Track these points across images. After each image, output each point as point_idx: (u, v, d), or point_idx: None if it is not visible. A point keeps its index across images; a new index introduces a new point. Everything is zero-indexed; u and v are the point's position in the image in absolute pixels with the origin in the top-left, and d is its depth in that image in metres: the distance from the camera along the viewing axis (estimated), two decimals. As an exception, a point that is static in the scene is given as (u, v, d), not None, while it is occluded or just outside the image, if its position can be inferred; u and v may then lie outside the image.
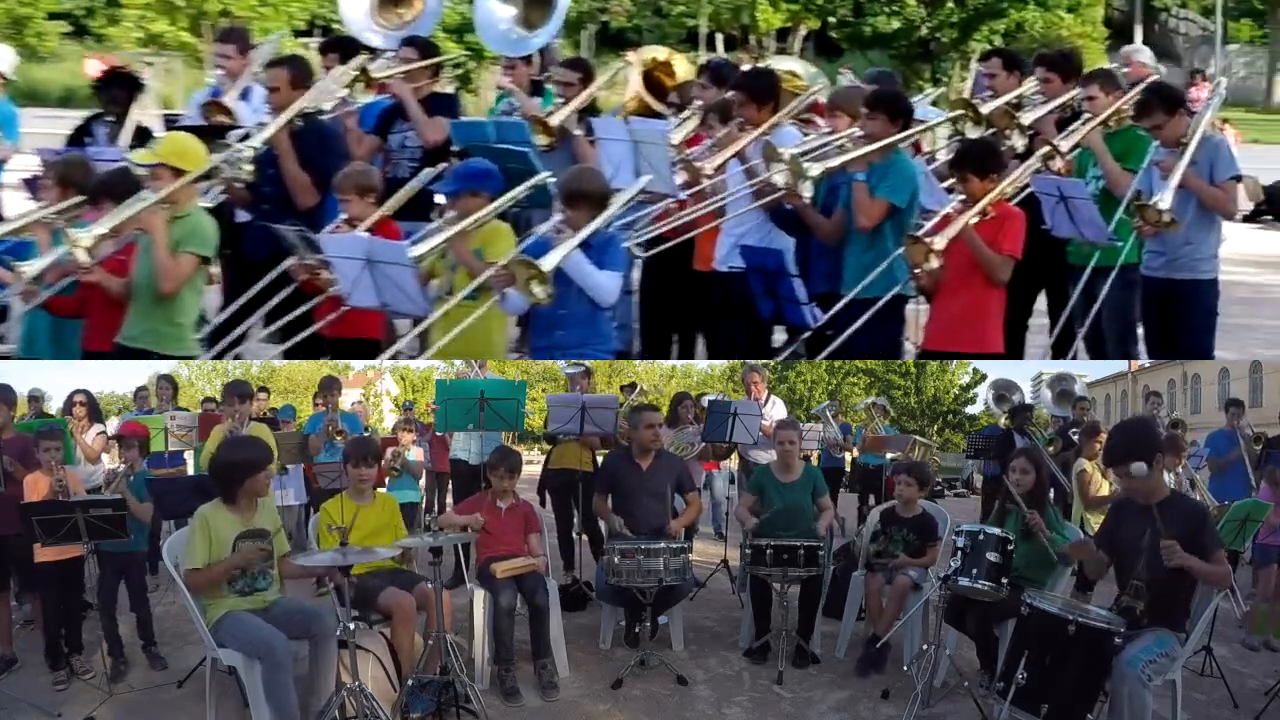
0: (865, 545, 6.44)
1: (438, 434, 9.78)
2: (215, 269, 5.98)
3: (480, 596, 5.59)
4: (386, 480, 8.29)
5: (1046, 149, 6.14)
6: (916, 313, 6.12)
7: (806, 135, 6.61)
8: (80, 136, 7.19)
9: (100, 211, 5.30)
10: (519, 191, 5.64)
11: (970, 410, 37.83)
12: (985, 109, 6.52)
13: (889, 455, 11.39)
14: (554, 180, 5.70)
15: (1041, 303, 6.95)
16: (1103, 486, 7.49)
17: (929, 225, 5.52)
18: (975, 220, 5.42)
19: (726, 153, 6.32)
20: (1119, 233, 5.97)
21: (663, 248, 6.43)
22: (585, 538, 7.54)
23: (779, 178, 5.88)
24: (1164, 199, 5.68)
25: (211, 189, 5.94)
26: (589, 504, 7.15)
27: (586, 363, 8.09)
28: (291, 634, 4.57)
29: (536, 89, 7.78)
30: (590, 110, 7.15)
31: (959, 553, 4.96)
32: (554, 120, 6.85)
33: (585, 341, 5.42)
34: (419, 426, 10.37)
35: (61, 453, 5.86)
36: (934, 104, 8.11)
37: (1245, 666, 6.15)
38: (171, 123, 7.50)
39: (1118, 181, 6.12)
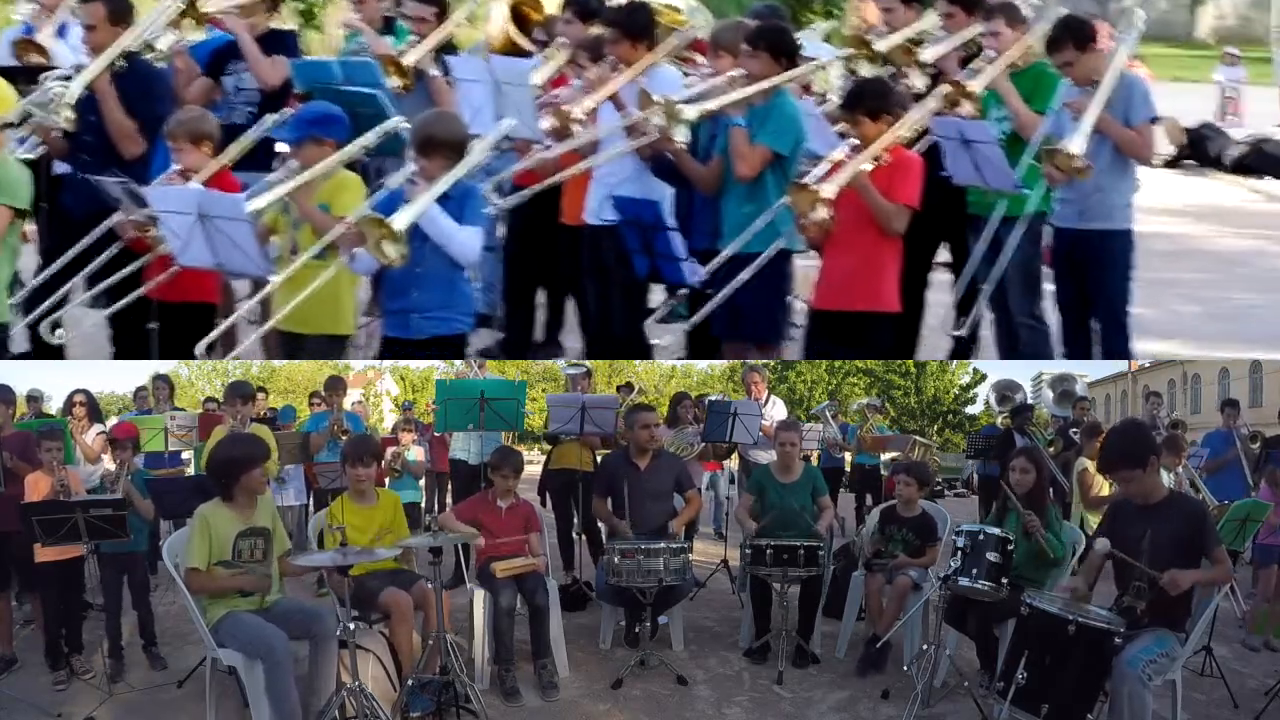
0: (865, 545, 6.45)
1: (437, 434, 9.79)
2: (31, 226, 5.57)
3: (480, 596, 5.59)
4: (387, 481, 8.30)
5: (945, 88, 5.69)
6: (806, 269, 5.71)
7: (688, 76, 6.13)
8: None
9: None
10: (369, 139, 5.22)
11: (970, 410, 37.84)
12: (881, 45, 6.05)
13: (887, 455, 11.39)
14: (408, 126, 5.25)
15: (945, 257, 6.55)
16: (1103, 487, 7.48)
17: (816, 171, 5.12)
18: (868, 166, 5.04)
19: (598, 96, 5.83)
20: (1026, 180, 5.57)
21: (521, 197, 5.91)
22: (585, 538, 7.53)
23: (654, 122, 5.44)
24: (1075, 142, 5.31)
25: (27, 139, 5.51)
26: (589, 504, 7.14)
27: (587, 363, 8.09)
28: (292, 634, 4.56)
29: (388, 26, 7.20)
30: (448, 48, 6.63)
31: (959, 553, 4.96)
32: (407, 60, 6.34)
33: (445, 304, 5.01)
34: (419, 426, 10.38)
35: (62, 453, 5.86)
36: (826, 39, 7.46)
37: (1245, 666, 6.15)
38: None
39: (1026, 124, 5.70)
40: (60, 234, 5.80)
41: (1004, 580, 4.91)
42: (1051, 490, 6.08)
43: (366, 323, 6.03)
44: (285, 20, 7.23)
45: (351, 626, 4.44)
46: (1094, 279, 5.75)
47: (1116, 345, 5.87)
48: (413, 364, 31.52)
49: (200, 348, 4.97)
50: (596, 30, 6.19)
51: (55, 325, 5.46)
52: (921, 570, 5.94)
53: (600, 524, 6.99)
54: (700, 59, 6.35)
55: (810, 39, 6.78)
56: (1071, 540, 5.45)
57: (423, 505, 9.54)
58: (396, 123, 5.34)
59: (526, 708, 5.26)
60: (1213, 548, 4.33)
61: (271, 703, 4.41)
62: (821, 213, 4.99)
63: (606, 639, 6.26)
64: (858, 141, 5.16)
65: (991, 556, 4.90)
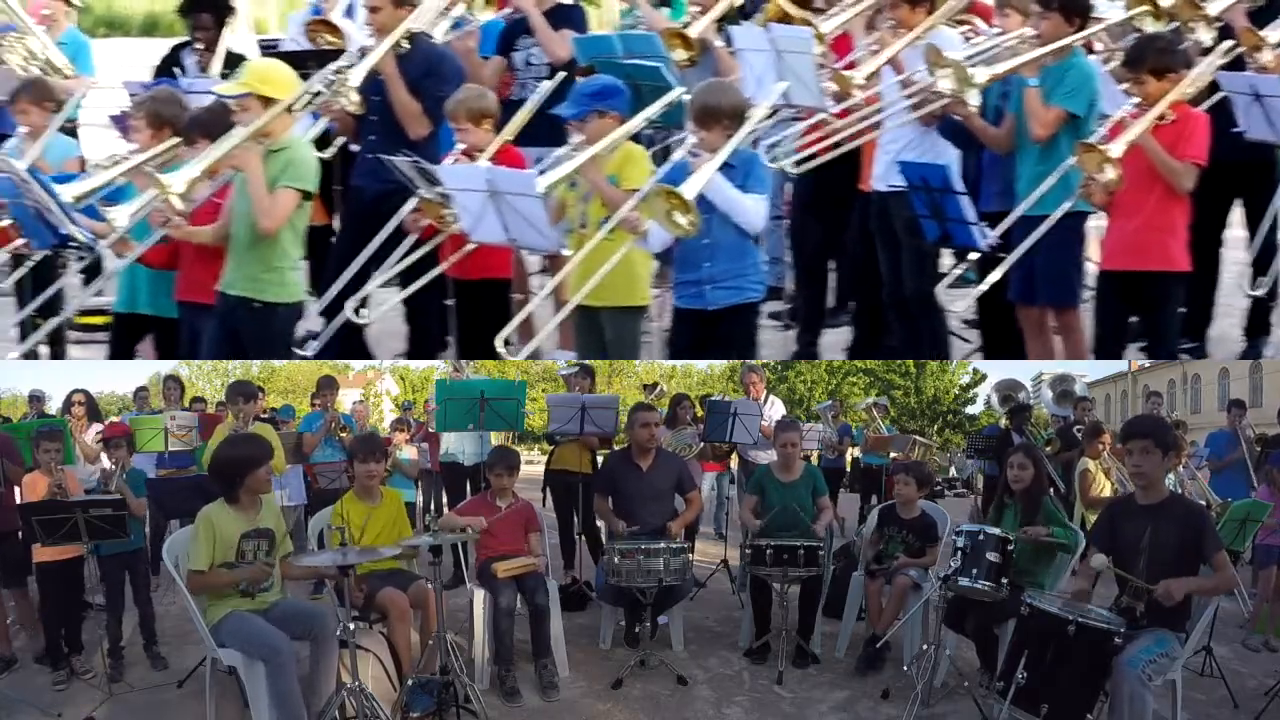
0: (864, 547, 6.44)
1: (435, 433, 9.78)
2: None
3: (480, 596, 5.59)
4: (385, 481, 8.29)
5: (1229, 43, 5.56)
6: (1098, 230, 5.63)
7: (968, 39, 6.02)
8: (168, 67, 6.82)
9: (195, 151, 5.00)
10: (653, 110, 5.25)
11: (970, 410, 37.85)
12: (1166, 1, 5.81)
13: (893, 455, 11.38)
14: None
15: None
16: (1104, 487, 7.49)
17: (1102, 131, 5.14)
18: (1154, 125, 5.01)
19: (878, 60, 5.82)
20: None
21: (811, 163, 5.90)
22: (585, 540, 7.50)
23: (943, 84, 5.43)
24: None
25: (322, 121, 5.59)
26: (588, 506, 7.13)
27: (588, 363, 8.07)
28: (293, 634, 4.56)
29: None
30: (730, 18, 6.59)
31: (959, 553, 4.96)
32: (692, 32, 6.33)
33: (737, 273, 5.02)
34: (411, 426, 10.35)
35: (61, 453, 5.85)
36: None
37: (1245, 666, 6.15)
38: (268, 49, 6.95)
39: None
40: (352, 213, 5.91)
41: (1004, 580, 4.91)
42: (1051, 490, 6.07)
43: (658, 294, 5.99)
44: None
45: (351, 626, 4.44)
46: None
47: None
48: (413, 364, 31.56)
49: (499, 343, 4.98)
50: None
51: (360, 305, 5.52)
52: (921, 570, 5.94)
53: (600, 523, 6.98)
54: (978, 21, 6.24)
55: None
56: (1073, 534, 5.45)
57: (419, 505, 9.54)
58: (679, 94, 5.32)
59: (526, 708, 5.26)
60: (1213, 552, 4.31)
61: (275, 703, 4.40)
62: (1110, 173, 4.95)
63: (606, 639, 6.26)
64: (1141, 100, 5.10)
65: (991, 556, 4.90)
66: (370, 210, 5.65)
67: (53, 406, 10.21)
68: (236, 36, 7.25)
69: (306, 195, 4.93)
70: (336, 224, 6.57)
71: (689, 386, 30.30)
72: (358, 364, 34.35)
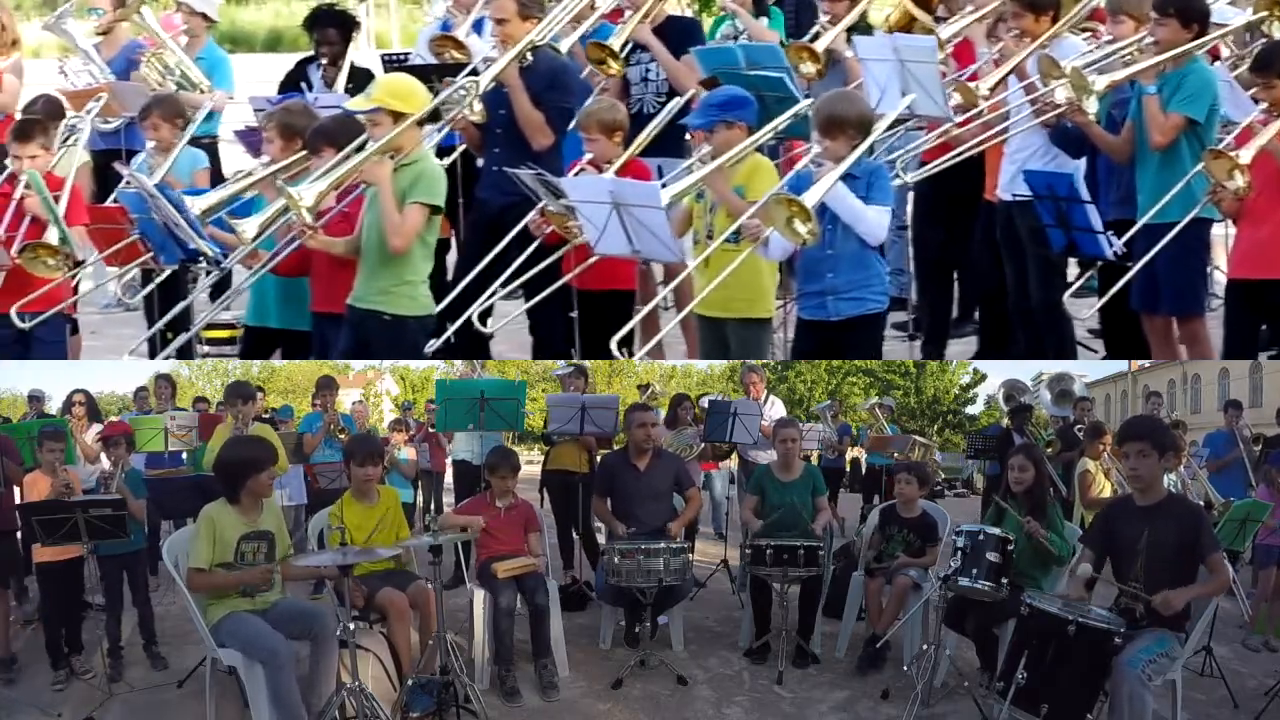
0: (864, 547, 6.44)
1: (435, 433, 9.77)
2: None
3: (480, 596, 5.59)
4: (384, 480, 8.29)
5: None
6: (1225, 237, 5.57)
7: (1090, 46, 6.00)
8: (294, 82, 6.89)
9: (321, 161, 5.01)
10: (780, 121, 5.25)
11: (970, 410, 37.81)
12: None
13: (896, 455, 11.37)
14: None
15: None
16: (1105, 488, 7.48)
17: (1229, 138, 5.10)
18: None
19: (1002, 70, 5.84)
20: None
21: (932, 170, 5.93)
22: (581, 542, 7.50)
23: (1060, 93, 5.42)
24: None
25: (444, 131, 5.64)
26: (585, 507, 7.12)
27: (584, 363, 8.07)
28: (292, 634, 4.57)
29: (760, 8, 7.24)
30: (860, 28, 6.58)
31: (959, 553, 4.96)
32: (822, 43, 6.35)
33: (861, 284, 5.00)
34: (409, 426, 10.34)
35: (64, 454, 5.84)
36: (1231, 2, 7.05)
37: (1245, 666, 6.15)
38: (392, 63, 7.05)
39: None
40: (476, 225, 5.97)
41: (1004, 580, 4.90)
42: (1051, 490, 6.07)
43: (782, 303, 5.92)
44: (682, 9, 7.28)
45: (351, 626, 4.44)
46: None
47: None
48: (413, 364, 31.55)
49: (614, 345, 4.99)
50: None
51: (485, 315, 5.57)
52: (921, 570, 5.93)
53: (599, 524, 6.98)
54: (1100, 28, 6.21)
55: (1215, 2, 6.41)
56: (1074, 539, 5.45)
57: (417, 504, 9.53)
58: (805, 106, 5.33)
59: (526, 708, 5.26)
60: (1209, 553, 4.31)
61: (275, 703, 4.40)
62: (1239, 180, 4.93)
63: (606, 639, 6.26)
64: (1269, 105, 5.06)
65: (991, 556, 4.90)
66: (495, 222, 5.71)
67: (53, 406, 10.20)
68: (360, 51, 7.32)
69: (436, 210, 4.94)
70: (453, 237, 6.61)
71: (689, 386, 30.25)
72: (358, 364, 34.25)
